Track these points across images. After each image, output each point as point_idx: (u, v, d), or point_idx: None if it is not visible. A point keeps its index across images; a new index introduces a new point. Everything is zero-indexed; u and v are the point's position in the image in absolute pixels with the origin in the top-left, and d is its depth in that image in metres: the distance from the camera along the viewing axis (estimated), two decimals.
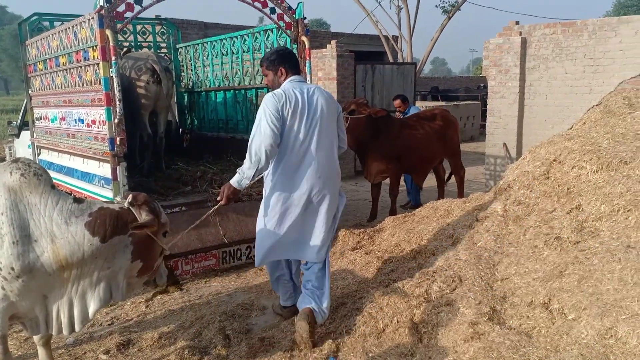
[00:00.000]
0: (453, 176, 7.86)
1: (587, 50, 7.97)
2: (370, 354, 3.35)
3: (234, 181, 3.52)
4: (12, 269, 2.70)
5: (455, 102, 18.91)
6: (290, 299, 4.09)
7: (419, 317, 3.51)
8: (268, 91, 3.96)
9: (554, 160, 4.21)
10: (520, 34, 8.69)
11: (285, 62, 3.75)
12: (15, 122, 8.67)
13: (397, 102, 8.26)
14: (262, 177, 3.77)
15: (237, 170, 3.56)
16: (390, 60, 19.31)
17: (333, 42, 11.12)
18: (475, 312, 3.29)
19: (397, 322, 3.53)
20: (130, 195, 2.99)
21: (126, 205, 2.96)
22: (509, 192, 4.44)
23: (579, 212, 3.74)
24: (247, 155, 3.49)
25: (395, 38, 20.65)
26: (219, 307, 4.38)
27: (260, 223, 3.74)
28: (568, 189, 3.93)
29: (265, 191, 3.73)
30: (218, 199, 3.62)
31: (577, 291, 3.06)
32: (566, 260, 3.39)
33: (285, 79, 3.75)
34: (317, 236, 3.68)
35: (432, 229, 4.92)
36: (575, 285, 3.12)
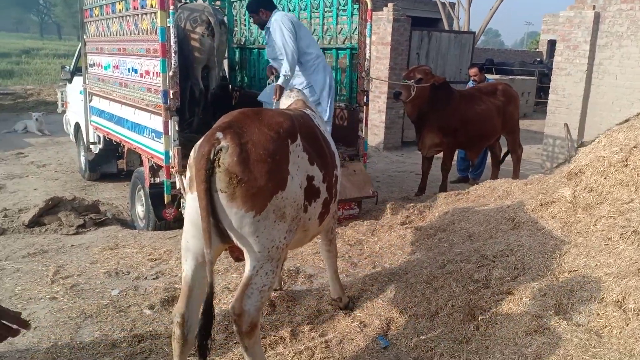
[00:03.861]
0: (509, 155, 7.50)
1: None
2: (422, 337, 3.19)
3: (281, 82, 5.19)
4: None
5: (510, 77, 18.15)
6: None
7: (476, 303, 3.31)
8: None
9: (634, 147, 3.87)
10: (594, 7, 8.11)
11: (263, 4, 5.48)
12: (68, 67, 8.64)
13: (474, 70, 7.86)
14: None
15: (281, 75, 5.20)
16: (446, 27, 18.57)
17: (390, 5, 10.62)
18: (540, 304, 3.08)
19: (452, 306, 3.35)
20: None
21: None
22: (580, 178, 4.13)
23: None
24: (285, 60, 5.14)
25: (452, 5, 19.83)
26: None
27: None
28: None
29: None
30: (274, 98, 5.18)
31: None
32: None
33: (268, 16, 5.43)
34: None
35: (489, 210, 4.68)
36: None
